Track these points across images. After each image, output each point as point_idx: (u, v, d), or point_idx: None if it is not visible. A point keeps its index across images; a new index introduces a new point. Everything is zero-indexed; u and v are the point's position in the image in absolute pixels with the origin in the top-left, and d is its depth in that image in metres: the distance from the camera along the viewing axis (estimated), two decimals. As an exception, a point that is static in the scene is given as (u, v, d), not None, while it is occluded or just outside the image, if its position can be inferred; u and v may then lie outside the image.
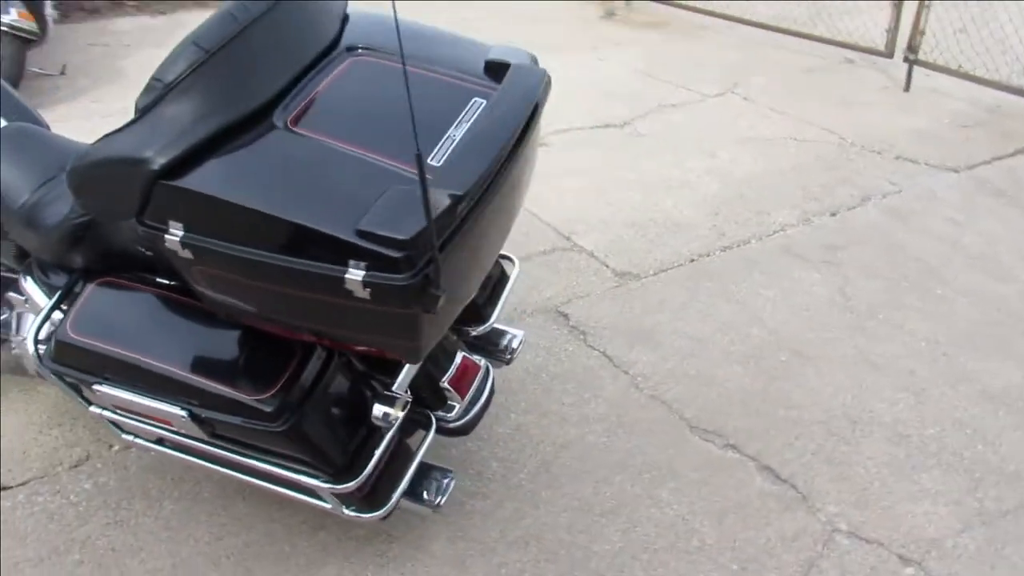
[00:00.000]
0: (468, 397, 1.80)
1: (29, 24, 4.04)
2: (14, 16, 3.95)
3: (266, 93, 1.38)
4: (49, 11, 4.38)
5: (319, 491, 1.58)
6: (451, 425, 1.81)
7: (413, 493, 1.72)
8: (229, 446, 1.59)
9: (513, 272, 2.07)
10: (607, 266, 2.96)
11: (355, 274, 1.21)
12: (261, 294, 1.39)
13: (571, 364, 2.48)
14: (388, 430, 1.56)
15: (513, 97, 1.46)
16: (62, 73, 4.46)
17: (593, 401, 2.35)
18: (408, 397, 1.60)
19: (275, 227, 1.26)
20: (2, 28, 3.92)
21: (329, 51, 1.52)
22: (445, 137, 1.38)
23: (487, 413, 1.91)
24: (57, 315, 1.69)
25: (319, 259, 1.24)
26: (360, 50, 1.55)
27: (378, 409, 1.53)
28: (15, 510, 1.97)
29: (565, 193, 3.39)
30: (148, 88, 1.35)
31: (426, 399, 1.78)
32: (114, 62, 4.77)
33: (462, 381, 1.79)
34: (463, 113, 1.43)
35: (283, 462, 1.57)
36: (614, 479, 2.09)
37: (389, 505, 1.63)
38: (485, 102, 1.46)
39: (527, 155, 1.56)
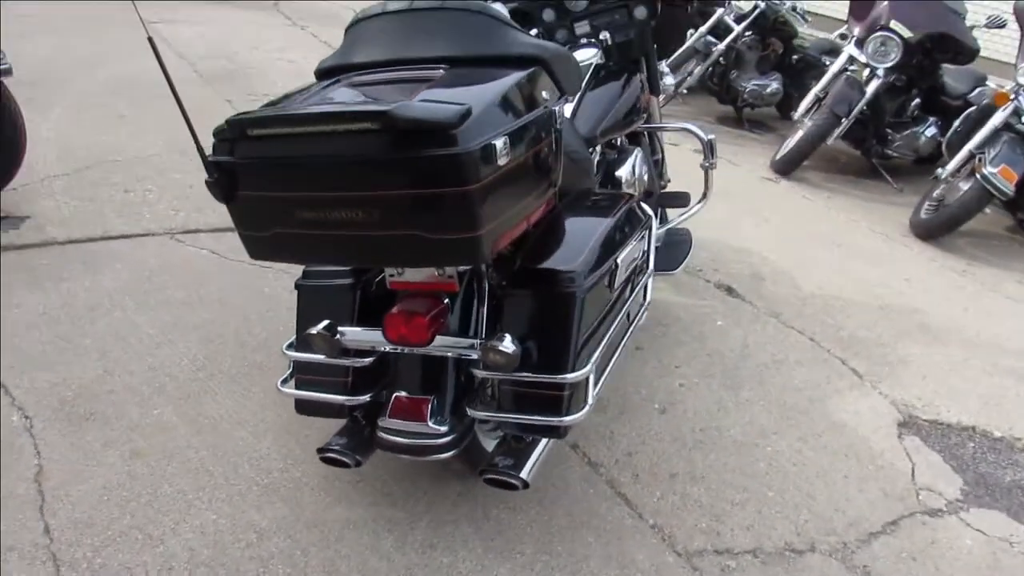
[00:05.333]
0: (392, 424, 1.75)
1: (1005, 184, 4.03)
2: (995, 170, 4.03)
3: (364, 59, 1.83)
4: None
5: None
6: (377, 426, 1.79)
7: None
8: None
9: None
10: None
11: None
12: None
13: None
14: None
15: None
16: None
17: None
18: (340, 343, 1.78)
19: None
20: (979, 176, 4.03)
21: (459, 61, 1.75)
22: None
23: (430, 473, 2.09)
24: None
25: None
26: (442, 69, 1.72)
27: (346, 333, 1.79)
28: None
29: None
30: None
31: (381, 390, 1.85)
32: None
33: (397, 409, 1.76)
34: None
35: None
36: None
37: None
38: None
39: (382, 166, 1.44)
